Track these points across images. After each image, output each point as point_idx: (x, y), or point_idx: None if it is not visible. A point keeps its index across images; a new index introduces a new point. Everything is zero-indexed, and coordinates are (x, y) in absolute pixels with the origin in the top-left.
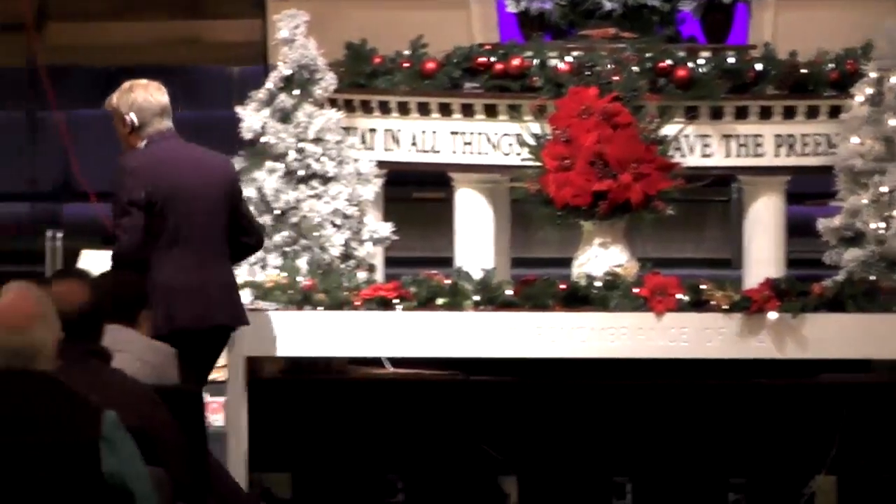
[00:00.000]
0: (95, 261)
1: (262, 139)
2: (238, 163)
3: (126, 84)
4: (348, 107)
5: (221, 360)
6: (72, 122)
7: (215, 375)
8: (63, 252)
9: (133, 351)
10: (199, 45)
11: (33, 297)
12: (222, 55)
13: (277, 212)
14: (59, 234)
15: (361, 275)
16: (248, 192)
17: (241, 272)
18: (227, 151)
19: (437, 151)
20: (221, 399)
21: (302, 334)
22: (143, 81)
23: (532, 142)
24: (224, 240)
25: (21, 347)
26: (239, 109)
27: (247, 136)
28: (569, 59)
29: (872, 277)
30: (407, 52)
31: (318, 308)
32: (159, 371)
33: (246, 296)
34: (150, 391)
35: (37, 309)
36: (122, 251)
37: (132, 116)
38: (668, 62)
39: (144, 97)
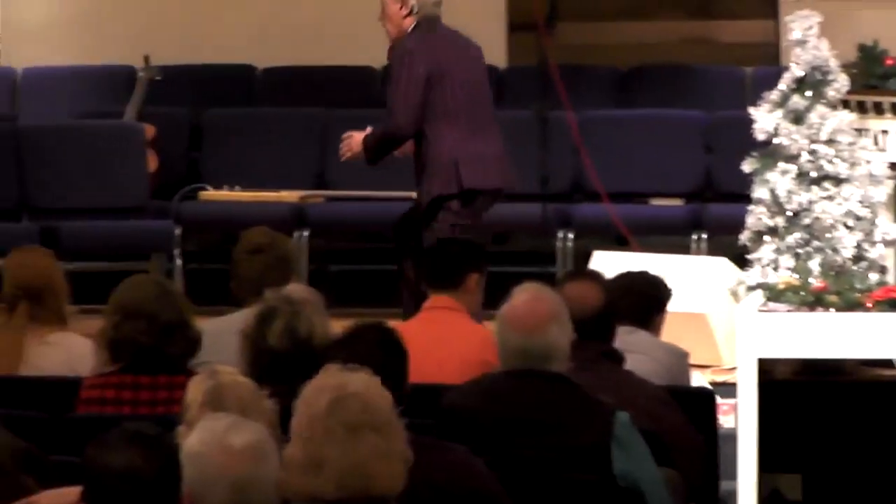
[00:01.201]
0: (607, 262)
1: (775, 140)
2: (750, 164)
3: None
4: (860, 108)
5: (732, 363)
6: (583, 122)
7: (727, 377)
8: (574, 253)
9: (646, 352)
10: (712, 45)
11: (548, 298)
12: (735, 55)
13: (790, 213)
14: (571, 235)
15: (873, 276)
16: (761, 192)
17: (754, 273)
18: (738, 152)
19: None
20: (733, 401)
21: (813, 336)
22: None
23: None
24: (491, 111)
25: (536, 348)
26: (752, 110)
27: (759, 137)
28: None
29: None
30: None
31: (830, 310)
32: (672, 372)
33: (758, 297)
34: (662, 392)
35: (552, 311)
36: (400, 125)
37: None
38: None
39: None
